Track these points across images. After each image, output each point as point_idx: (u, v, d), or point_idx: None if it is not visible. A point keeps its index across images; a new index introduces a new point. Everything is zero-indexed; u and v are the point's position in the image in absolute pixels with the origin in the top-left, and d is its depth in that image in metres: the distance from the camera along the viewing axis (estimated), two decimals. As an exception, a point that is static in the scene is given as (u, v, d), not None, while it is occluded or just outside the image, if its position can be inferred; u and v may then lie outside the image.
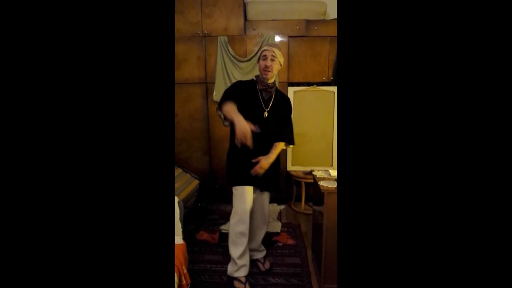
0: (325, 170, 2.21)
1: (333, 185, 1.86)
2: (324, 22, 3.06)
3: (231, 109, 1.71)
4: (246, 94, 1.85)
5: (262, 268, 2.12)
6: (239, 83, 1.92)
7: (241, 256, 1.90)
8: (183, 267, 1.68)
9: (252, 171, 1.81)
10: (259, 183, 1.91)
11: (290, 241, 2.52)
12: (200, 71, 3.12)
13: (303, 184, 3.08)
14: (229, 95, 1.81)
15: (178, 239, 1.80)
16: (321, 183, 1.91)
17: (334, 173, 2.10)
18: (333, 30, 3.01)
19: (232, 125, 1.78)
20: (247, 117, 1.68)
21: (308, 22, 3.03)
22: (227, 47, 3.01)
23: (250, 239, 2.01)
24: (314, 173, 2.16)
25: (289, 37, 3.03)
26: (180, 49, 3.06)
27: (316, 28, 3.03)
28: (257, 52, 2.99)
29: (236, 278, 1.93)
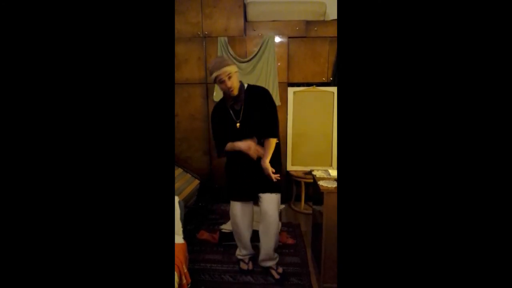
0: (324, 170, 2.21)
1: (333, 185, 1.87)
2: (324, 22, 3.06)
3: (231, 146, 1.91)
4: (220, 119, 1.96)
5: (276, 276, 2.05)
6: (213, 112, 2.01)
7: (243, 247, 2.15)
8: (184, 266, 1.68)
9: (275, 178, 1.89)
10: (250, 195, 2.02)
11: (290, 241, 2.53)
12: (201, 71, 3.12)
13: (302, 184, 3.09)
14: (217, 135, 1.98)
15: (179, 239, 1.81)
16: (320, 183, 1.92)
17: (333, 173, 2.11)
18: (332, 31, 3.02)
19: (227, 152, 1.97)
20: (226, 135, 1.93)
21: (308, 23, 3.04)
22: (227, 47, 3.01)
23: (260, 247, 2.09)
24: (314, 173, 2.16)
25: (289, 37, 3.03)
26: (180, 49, 3.07)
27: (315, 28, 3.04)
28: (256, 53, 3.00)
29: (242, 260, 2.19)
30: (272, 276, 2.07)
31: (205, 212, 3.08)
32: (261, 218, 2.00)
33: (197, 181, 2.99)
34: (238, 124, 1.89)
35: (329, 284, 1.91)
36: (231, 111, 1.91)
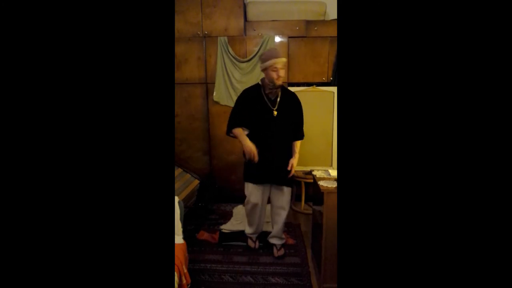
0: (324, 170, 2.21)
1: (333, 185, 1.87)
2: (324, 22, 3.06)
3: (238, 134, 2.14)
4: (252, 102, 2.13)
5: (276, 254, 2.33)
6: (243, 94, 2.19)
7: (253, 226, 2.37)
8: (183, 266, 1.68)
9: (290, 176, 2.17)
10: (268, 179, 2.20)
11: (290, 241, 2.53)
12: (201, 71, 3.12)
13: (302, 184, 3.09)
14: (235, 116, 2.15)
15: (179, 239, 1.81)
16: (320, 183, 1.92)
17: (333, 173, 2.11)
18: (332, 31, 3.02)
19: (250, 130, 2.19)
20: (257, 120, 2.10)
21: (308, 23, 3.03)
22: (227, 47, 3.01)
23: (272, 223, 2.37)
24: (314, 173, 2.16)
25: (289, 37, 3.03)
26: (180, 49, 3.06)
27: (315, 28, 3.03)
28: (256, 53, 3.00)
29: (250, 238, 2.43)
30: (273, 253, 2.35)
31: (205, 212, 3.07)
32: (275, 204, 2.28)
33: (197, 181, 2.99)
34: (275, 112, 2.10)
35: (329, 284, 1.91)
36: (266, 99, 2.12)
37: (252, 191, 2.22)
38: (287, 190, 2.23)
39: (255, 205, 2.25)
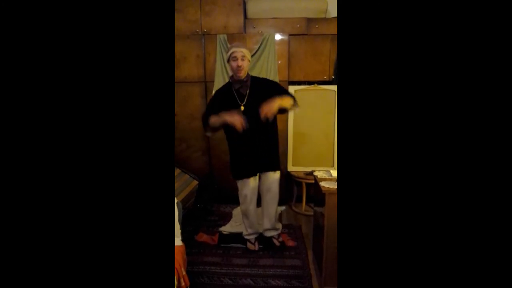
0: (326, 171, 2.18)
1: (334, 185, 1.83)
2: (325, 20, 3.03)
3: (215, 119, 2.07)
4: (223, 100, 2.16)
5: (277, 244, 2.37)
6: (216, 94, 2.28)
7: (250, 226, 2.37)
8: (182, 269, 1.66)
9: (262, 117, 1.96)
10: (253, 172, 2.24)
11: (291, 243, 2.49)
12: (199, 69, 3.08)
13: (303, 184, 3.05)
14: (207, 111, 2.17)
15: (177, 241, 1.78)
16: (322, 183, 1.89)
17: (335, 173, 2.08)
18: (334, 29, 2.98)
19: (224, 129, 2.17)
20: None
21: (309, 20, 3.00)
22: (226, 45, 2.97)
23: (264, 217, 2.37)
24: (315, 173, 2.13)
25: (290, 35, 2.99)
26: (179, 47, 3.02)
27: (317, 26, 3.00)
28: (256, 51, 2.97)
29: (249, 240, 2.40)
30: (274, 244, 2.37)
31: (204, 214, 3.04)
32: (264, 193, 2.30)
33: (195, 182, 2.95)
34: (242, 107, 2.12)
35: (330, 286, 1.88)
36: (236, 94, 2.14)
37: (241, 184, 2.29)
38: (272, 176, 2.24)
39: (245, 196, 2.29)
